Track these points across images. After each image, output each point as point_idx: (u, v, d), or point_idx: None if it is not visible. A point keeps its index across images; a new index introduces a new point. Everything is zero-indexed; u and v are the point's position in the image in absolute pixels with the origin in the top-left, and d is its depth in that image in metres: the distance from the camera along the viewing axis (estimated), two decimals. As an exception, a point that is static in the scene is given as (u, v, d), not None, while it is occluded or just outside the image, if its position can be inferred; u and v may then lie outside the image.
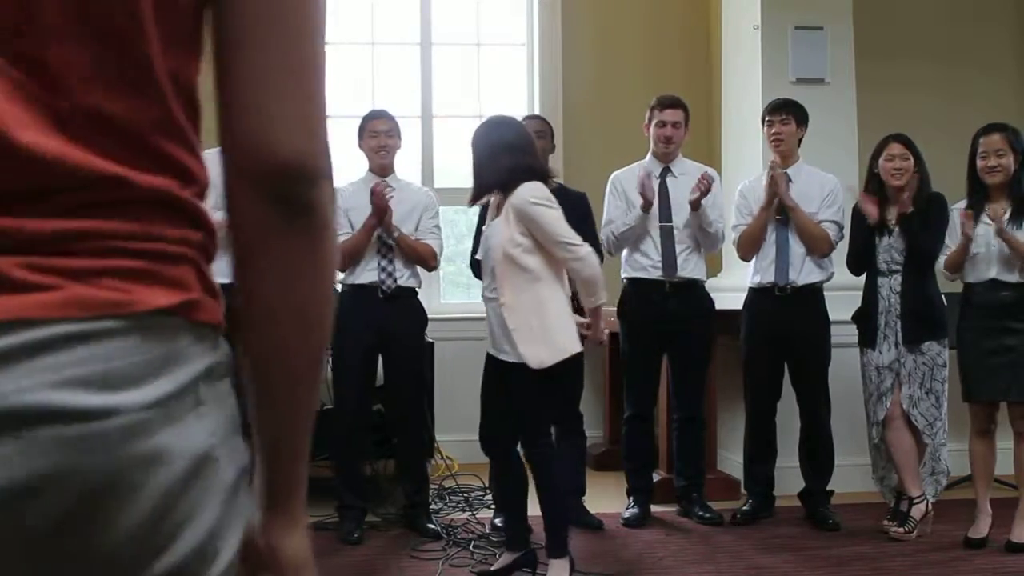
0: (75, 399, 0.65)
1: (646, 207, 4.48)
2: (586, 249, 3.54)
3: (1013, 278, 4.11)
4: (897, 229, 4.32)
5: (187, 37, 0.76)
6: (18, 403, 0.63)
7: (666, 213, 4.58)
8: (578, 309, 3.82)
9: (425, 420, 4.87)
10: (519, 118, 4.83)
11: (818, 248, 4.53)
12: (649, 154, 4.70)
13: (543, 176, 3.65)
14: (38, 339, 0.65)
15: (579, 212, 4.61)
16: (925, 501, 4.32)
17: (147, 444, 0.69)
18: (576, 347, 3.56)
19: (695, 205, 4.44)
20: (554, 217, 3.53)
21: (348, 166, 5.79)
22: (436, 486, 5.03)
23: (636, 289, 4.64)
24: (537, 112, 6.34)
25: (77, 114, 0.70)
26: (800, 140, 4.65)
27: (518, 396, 3.55)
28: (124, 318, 0.69)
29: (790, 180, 4.58)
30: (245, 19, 0.76)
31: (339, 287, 4.50)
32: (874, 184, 4.42)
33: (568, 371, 3.66)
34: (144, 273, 0.72)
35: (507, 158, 3.57)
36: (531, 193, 3.50)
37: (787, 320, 4.51)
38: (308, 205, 0.78)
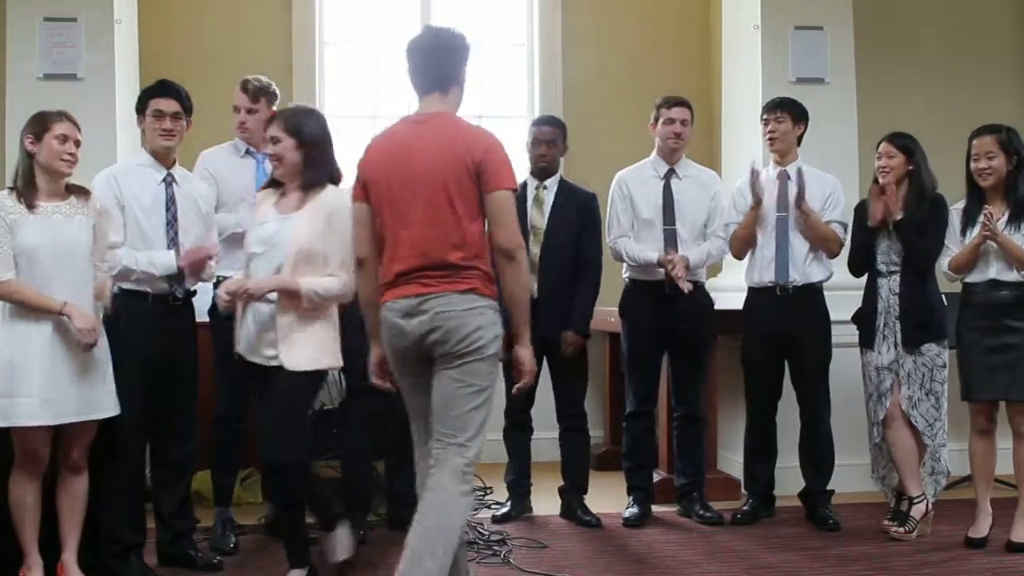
0: (441, 308, 2.97)
1: (660, 265, 4.50)
2: (346, 284, 3.41)
3: (1012, 277, 4.11)
4: (895, 232, 4.32)
5: (473, 222, 3.03)
6: (428, 307, 2.96)
7: (670, 216, 4.59)
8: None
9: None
10: (536, 119, 4.88)
11: (829, 249, 4.55)
12: (654, 153, 4.71)
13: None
14: (434, 296, 2.98)
15: (587, 214, 4.60)
16: (925, 501, 4.32)
17: (460, 319, 2.95)
18: (330, 364, 3.49)
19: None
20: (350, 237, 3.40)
21: (346, 165, 5.79)
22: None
23: (638, 288, 4.65)
24: (537, 112, 6.35)
25: (446, 244, 3.02)
26: (800, 138, 4.65)
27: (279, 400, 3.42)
28: (457, 291, 2.97)
29: (789, 178, 4.58)
30: (490, 211, 3.01)
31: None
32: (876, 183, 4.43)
33: (315, 387, 3.53)
34: (460, 280, 2.98)
35: (330, 154, 3.54)
36: (346, 201, 3.34)
37: (787, 320, 4.51)
38: (511, 256, 3.01)
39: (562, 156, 4.75)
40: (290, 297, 3.38)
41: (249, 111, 4.24)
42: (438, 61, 3.12)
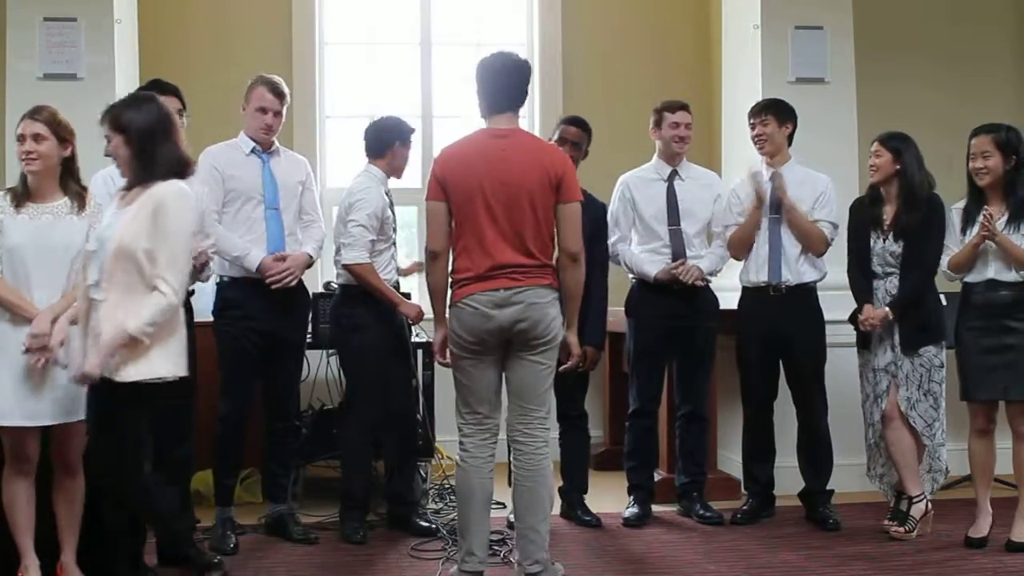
0: (532, 300, 3.46)
1: (660, 276, 4.52)
2: (170, 291, 3.11)
3: (1011, 277, 4.11)
4: (891, 234, 4.32)
5: (550, 227, 3.53)
6: (520, 299, 3.45)
7: (675, 217, 4.60)
8: None
9: (424, 420, 4.88)
10: (565, 118, 4.69)
11: (814, 247, 4.54)
12: (655, 157, 4.72)
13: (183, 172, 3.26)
14: (525, 289, 3.45)
15: (598, 224, 4.56)
16: (925, 500, 4.32)
17: (543, 309, 3.45)
18: (172, 372, 3.18)
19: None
20: (184, 237, 3.16)
21: (346, 165, 5.80)
22: (436, 486, 5.04)
23: (644, 287, 4.64)
24: (537, 113, 6.35)
25: (530, 244, 3.51)
26: (790, 137, 4.66)
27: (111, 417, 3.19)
28: (542, 286, 3.47)
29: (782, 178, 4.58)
30: (562, 218, 3.52)
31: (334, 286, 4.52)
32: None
33: (170, 396, 3.22)
34: (543, 276, 3.49)
35: (168, 145, 3.23)
36: (178, 194, 3.16)
37: (782, 320, 4.51)
38: (575, 259, 3.53)
39: (582, 160, 4.66)
40: (128, 340, 3.08)
41: (276, 113, 4.25)
42: (510, 85, 3.53)
